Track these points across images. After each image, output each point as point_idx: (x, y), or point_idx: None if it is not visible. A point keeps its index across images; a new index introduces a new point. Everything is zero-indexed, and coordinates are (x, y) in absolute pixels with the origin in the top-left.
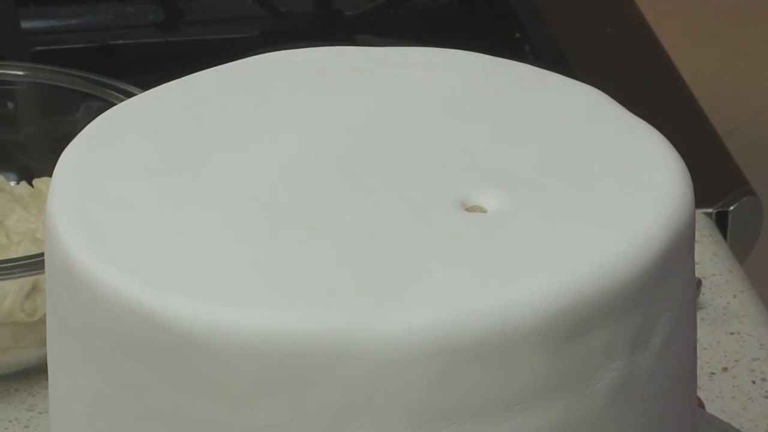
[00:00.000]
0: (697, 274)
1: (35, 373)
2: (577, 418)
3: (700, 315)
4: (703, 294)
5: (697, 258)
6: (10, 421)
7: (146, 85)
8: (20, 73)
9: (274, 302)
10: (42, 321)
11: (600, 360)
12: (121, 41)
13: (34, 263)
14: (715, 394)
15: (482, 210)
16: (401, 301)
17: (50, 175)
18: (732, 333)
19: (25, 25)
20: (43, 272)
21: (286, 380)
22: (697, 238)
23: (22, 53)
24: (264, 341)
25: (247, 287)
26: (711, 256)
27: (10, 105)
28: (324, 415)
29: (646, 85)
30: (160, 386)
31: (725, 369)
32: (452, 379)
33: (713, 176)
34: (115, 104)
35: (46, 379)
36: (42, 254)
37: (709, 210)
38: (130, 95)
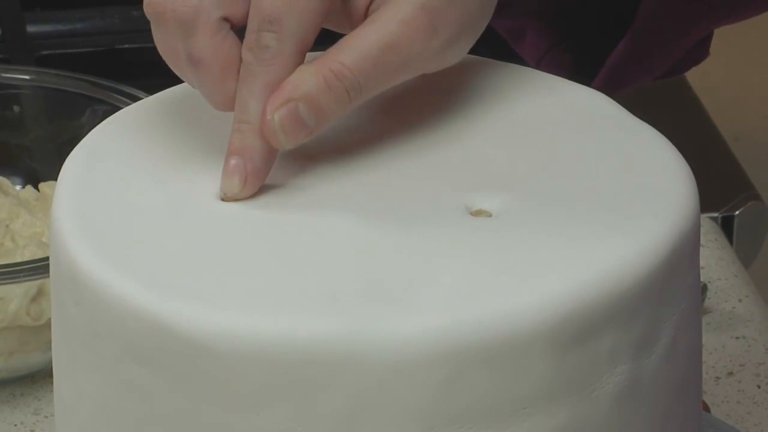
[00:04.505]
0: (702, 279)
1: (41, 377)
2: (582, 422)
3: (705, 319)
4: (708, 298)
5: (702, 262)
6: (15, 425)
7: (152, 90)
8: (26, 77)
9: (280, 307)
10: (47, 325)
11: (605, 364)
12: (126, 45)
13: (39, 267)
14: (721, 399)
15: (487, 214)
16: (408, 306)
17: (56, 179)
18: (737, 337)
19: (31, 29)
20: (49, 276)
21: (293, 385)
22: (702, 242)
23: (28, 57)
24: (270, 346)
25: (253, 292)
26: (716, 261)
27: (16, 109)
28: (331, 420)
29: (652, 89)
30: (166, 391)
31: (730, 373)
32: (459, 383)
33: (719, 181)
34: (121, 108)
35: (52, 383)
36: (47, 258)
37: (715, 214)
38: (135, 99)
